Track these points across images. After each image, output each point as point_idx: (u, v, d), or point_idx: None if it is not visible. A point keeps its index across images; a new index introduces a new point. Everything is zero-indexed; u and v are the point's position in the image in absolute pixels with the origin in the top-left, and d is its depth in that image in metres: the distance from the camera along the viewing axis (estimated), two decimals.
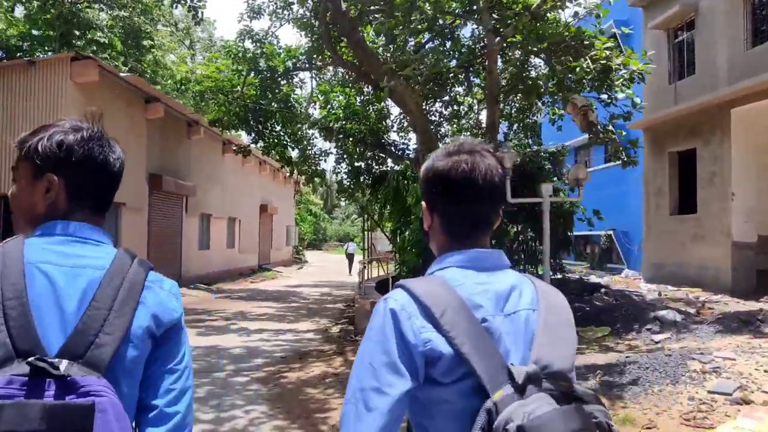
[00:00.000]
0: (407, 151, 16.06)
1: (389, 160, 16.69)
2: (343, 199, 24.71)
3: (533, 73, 11.64)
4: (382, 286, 13.22)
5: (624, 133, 10.22)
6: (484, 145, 1.26)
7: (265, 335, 9.97)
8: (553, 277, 8.83)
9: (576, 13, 9.71)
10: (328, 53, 14.03)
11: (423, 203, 1.29)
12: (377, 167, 16.87)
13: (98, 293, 1.13)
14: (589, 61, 8.16)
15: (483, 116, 16.06)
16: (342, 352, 8.37)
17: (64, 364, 1.02)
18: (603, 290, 10.56)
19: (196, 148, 19.06)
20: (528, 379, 1.03)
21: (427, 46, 12.42)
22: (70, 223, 1.22)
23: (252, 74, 15.32)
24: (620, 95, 8.63)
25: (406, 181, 12.23)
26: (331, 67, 16.66)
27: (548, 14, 10.21)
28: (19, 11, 24.99)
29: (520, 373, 1.03)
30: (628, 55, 8.51)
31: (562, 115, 12.87)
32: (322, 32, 12.84)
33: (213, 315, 12.30)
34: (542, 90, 9.76)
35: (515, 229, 10.86)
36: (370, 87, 14.97)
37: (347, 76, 16.49)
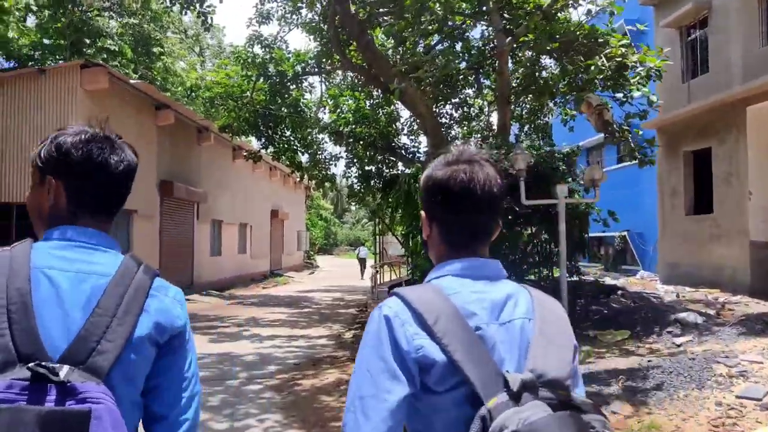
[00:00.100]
0: (418, 154, 15.95)
1: (400, 164, 16.59)
2: (353, 203, 24.64)
3: (544, 74, 11.52)
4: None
5: (641, 132, 10.06)
6: (483, 154, 1.26)
7: (277, 341, 9.89)
8: (569, 279, 8.67)
9: (589, 11, 9.58)
10: (337, 57, 13.98)
11: (422, 212, 1.29)
12: (388, 171, 16.78)
13: (102, 300, 1.14)
14: (604, 59, 8.02)
15: (493, 118, 15.97)
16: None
17: (64, 370, 1.03)
18: (620, 292, 10.38)
19: (206, 155, 19.07)
20: (523, 387, 1.02)
21: (436, 48, 12.33)
22: (69, 228, 1.23)
23: (261, 79, 15.31)
24: (636, 93, 8.48)
25: (417, 185, 12.09)
26: (340, 71, 16.62)
27: (560, 13, 10.09)
28: (31, 21, 25.21)
29: (516, 381, 1.02)
30: (644, 52, 8.36)
31: (574, 115, 12.74)
32: (331, 36, 12.79)
33: (225, 321, 12.26)
34: (555, 90, 9.63)
35: (529, 231, 10.71)
36: (379, 90, 14.92)
37: (356, 80, 16.44)
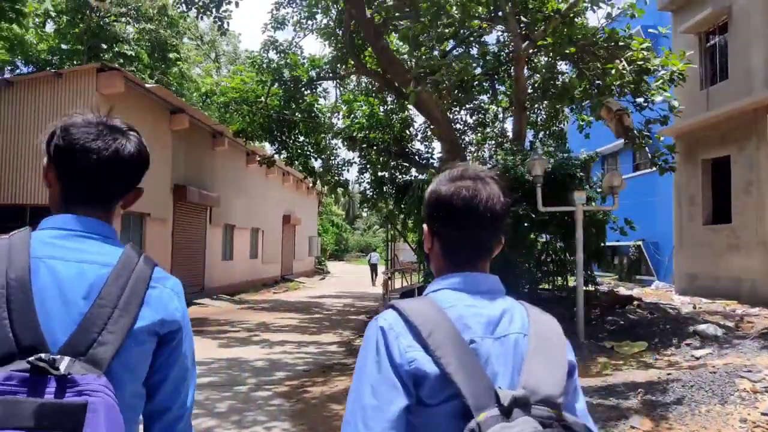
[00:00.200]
0: (432, 160, 15.84)
1: (413, 170, 16.51)
2: (365, 209, 24.60)
3: (562, 79, 11.38)
4: (408, 297, 12.99)
5: (662, 138, 9.89)
6: (489, 172, 1.27)
7: (287, 347, 9.80)
8: (585, 289, 8.50)
9: (609, 14, 9.45)
10: (352, 62, 13.96)
11: (425, 226, 1.30)
12: (401, 177, 16.69)
13: (104, 290, 1.13)
14: (624, 62, 7.88)
15: (508, 125, 15.85)
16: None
17: (65, 362, 1.01)
18: (636, 303, 10.17)
19: (220, 159, 19.12)
20: (515, 403, 1.02)
21: (452, 53, 12.26)
22: (64, 216, 1.21)
23: (276, 85, 15.32)
24: (658, 98, 8.32)
25: None
26: (354, 77, 16.60)
27: (577, 18, 9.98)
28: (49, 27, 25.52)
29: (506, 397, 1.02)
30: (666, 55, 8.21)
31: (590, 122, 12.59)
32: (346, 41, 12.77)
33: (236, 326, 12.20)
34: (573, 95, 9.49)
35: (543, 240, 10.56)
36: (393, 96, 14.86)
37: (371, 85, 16.41)
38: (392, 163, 16.41)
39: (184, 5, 11.64)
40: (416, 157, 16.32)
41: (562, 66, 12.01)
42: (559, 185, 9.12)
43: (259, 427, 5.46)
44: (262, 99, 15.48)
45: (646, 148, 9.45)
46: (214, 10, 11.69)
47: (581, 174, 9.49)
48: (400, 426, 1.06)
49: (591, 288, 10.08)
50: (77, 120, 1.26)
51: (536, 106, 13.95)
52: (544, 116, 15.30)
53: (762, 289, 11.78)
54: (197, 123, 17.07)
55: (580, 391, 1.21)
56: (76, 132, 1.23)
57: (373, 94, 16.17)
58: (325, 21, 14.45)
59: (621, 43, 8.44)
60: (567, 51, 8.94)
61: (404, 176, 16.68)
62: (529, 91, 11.60)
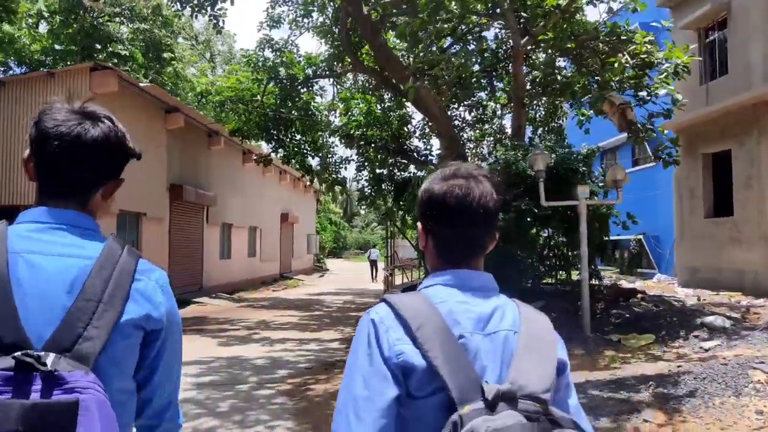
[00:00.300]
0: (430, 157, 15.73)
1: (412, 167, 16.40)
2: (363, 207, 24.51)
3: (559, 76, 11.30)
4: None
5: (666, 132, 9.81)
6: (481, 170, 1.28)
7: (288, 345, 9.69)
8: (589, 283, 8.41)
9: (611, 9, 9.38)
10: (349, 59, 13.84)
11: (419, 224, 1.31)
12: (399, 174, 16.59)
13: (87, 284, 1.08)
14: (627, 56, 7.79)
15: (506, 121, 15.77)
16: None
17: (50, 358, 0.98)
18: (639, 296, 10.10)
19: (216, 158, 18.98)
20: (500, 397, 1.03)
21: (451, 49, 12.15)
22: (42, 209, 1.17)
23: (272, 83, 15.18)
24: (661, 92, 8.25)
25: None
26: (351, 74, 16.48)
27: (577, 14, 9.90)
28: (43, 27, 25.31)
29: (491, 390, 1.03)
30: (669, 48, 8.13)
31: (590, 117, 12.53)
32: (342, 38, 12.66)
33: (235, 324, 12.08)
34: (575, 89, 9.40)
35: (546, 234, 10.47)
36: (391, 93, 14.75)
37: (368, 83, 16.28)
38: (390, 161, 16.30)
39: (178, 4, 11.47)
40: (415, 154, 16.22)
41: (561, 62, 11.91)
42: (562, 180, 9.04)
43: (262, 427, 5.35)
44: (258, 98, 15.34)
45: (647, 142, 9.37)
46: (208, 8, 11.53)
47: (584, 168, 9.41)
48: (390, 415, 1.07)
49: (594, 282, 9.99)
50: (53, 107, 1.20)
51: (535, 102, 13.87)
52: (543, 112, 15.23)
53: (765, 280, 11.80)
54: (193, 122, 16.92)
55: (572, 388, 1.22)
56: (46, 119, 1.18)
57: (371, 92, 16.05)
58: (321, 19, 14.33)
59: (624, 37, 8.36)
60: (567, 46, 8.84)
61: (402, 173, 16.58)
62: (528, 87, 11.51)
